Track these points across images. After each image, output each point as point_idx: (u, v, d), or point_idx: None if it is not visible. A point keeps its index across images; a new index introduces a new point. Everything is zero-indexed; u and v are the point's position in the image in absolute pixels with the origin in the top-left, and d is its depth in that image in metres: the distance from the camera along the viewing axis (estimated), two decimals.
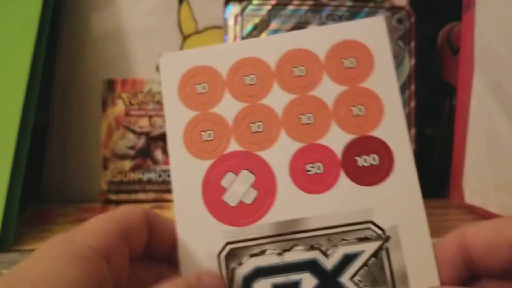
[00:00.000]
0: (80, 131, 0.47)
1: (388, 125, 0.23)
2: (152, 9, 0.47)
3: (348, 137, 0.23)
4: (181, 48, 0.48)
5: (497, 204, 0.37)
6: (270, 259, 0.22)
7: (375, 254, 0.21)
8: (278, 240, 0.22)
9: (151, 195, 0.46)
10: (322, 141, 0.23)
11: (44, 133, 0.47)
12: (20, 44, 0.37)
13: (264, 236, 0.22)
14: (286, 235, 0.22)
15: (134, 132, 0.46)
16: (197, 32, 0.49)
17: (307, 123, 0.23)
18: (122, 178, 0.45)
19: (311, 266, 0.22)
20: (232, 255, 0.22)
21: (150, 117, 0.46)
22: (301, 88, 0.23)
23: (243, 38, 0.45)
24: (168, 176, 0.45)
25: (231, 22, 0.46)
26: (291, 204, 0.22)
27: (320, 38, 0.24)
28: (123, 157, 0.46)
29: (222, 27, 0.46)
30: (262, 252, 0.22)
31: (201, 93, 0.24)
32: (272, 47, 0.24)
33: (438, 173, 0.45)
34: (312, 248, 0.22)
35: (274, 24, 0.45)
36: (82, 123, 0.47)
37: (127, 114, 0.46)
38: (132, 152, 0.46)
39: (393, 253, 0.21)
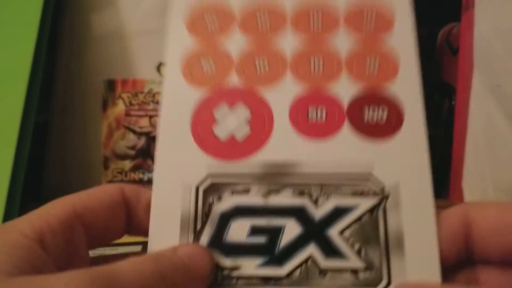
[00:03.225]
0: (80, 131, 0.46)
1: (402, 81, 0.21)
2: (153, 9, 0.47)
3: (358, 87, 0.21)
4: None
5: None
6: (253, 199, 0.20)
7: (371, 211, 0.19)
8: (266, 181, 0.20)
9: None
10: (330, 87, 0.21)
11: (45, 133, 0.46)
12: (21, 44, 0.37)
13: (251, 174, 0.20)
14: (275, 176, 0.20)
15: (134, 132, 0.45)
16: None
17: (316, 67, 0.22)
18: (123, 178, 0.45)
19: (298, 213, 0.19)
20: (212, 189, 0.20)
21: (150, 117, 0.45)
22: (315, 31, 0.22)
23: None
24: None
25: None
26: (286, 146, 0.20)
27: None
28: (123, 157, 0.45)
29: None
30: (245, 191, 0.20)
31: (209, 22, 0.22)
32: None
33: (437, 173, 0.44)
34: (301, 194, 0.20)
35: None
36: (82, 123, 0.46)
37: (127, 114, 0.45)
38: (132, 152, 0.45)
39: (390, 213, 0.19)
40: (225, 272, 0.19)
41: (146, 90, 0.45)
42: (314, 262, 0.19)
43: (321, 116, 0.21)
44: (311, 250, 0.19)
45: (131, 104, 0.45)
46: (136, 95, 0.45)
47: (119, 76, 0.45)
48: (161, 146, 0.20)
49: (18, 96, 0.35)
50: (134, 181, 0.45)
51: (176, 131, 0.21)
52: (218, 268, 0.19)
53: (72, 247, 0.19)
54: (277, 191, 0.20)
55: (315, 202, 0.20)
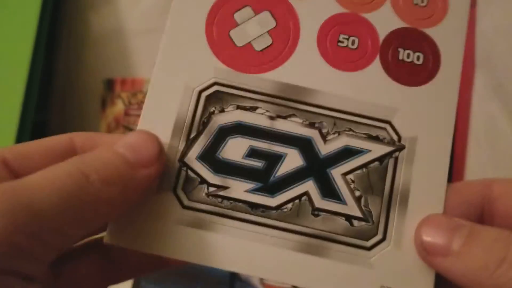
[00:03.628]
0: (79, 131, 0.45)
1: (447, 28, 0.19)
2: (152, 8, 0.45)
3: (398, 23, 0.19)
4: None
5: None
6: (258, 118, 0.18)
7: (381, 159, 0.18)
8: (276, 103, 0.18)
9: None
10: (368, 16, 0.19)
11: (43, 133, 0.45)
12: (20, 43, 0.36)
13: (262, 92, 0.18)
14: (287, 100, 0.18)
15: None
16: None
17: None
18: None
19: (303, 145, 0.18)
20: (216, 97, 0.18)
21: None
22: None
23: None
24: None
25: None
26: (306, 69, 0.18)
27: None
28: None
29: None
30: (252, 108, 0.18)
31: None
32: None
33: None
34: (311, 125, 0.18)
35: None
36: (81, 123, 0.46)
37: (126, 113, 0.44)
38: None
39: (401, 165, 0.18)
40: (211, 190, 0.17)
41: (145, 90, 0.44)
42: (309, 200, 0.17)
43: (353, 46, 0.18)
44: (309, 186, 0.17)
45: (130, 103, 0.44)
46: (135, 94, 0.44)
47: (118, 75, 0.45)
48: (168, 37, 0.18)
49: (17, 95, 0.35)
50: None
51: (188, 25, 0.18)
52: (204, 183, 0.17)
53: None
54: (285, 116, 0.18)
55: (324, 136, 0.18)
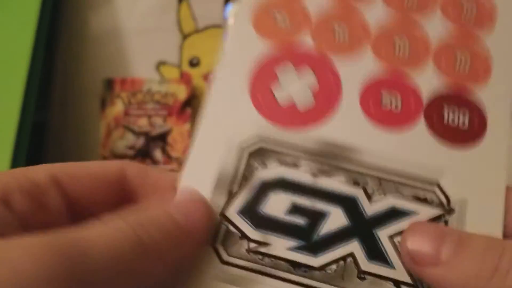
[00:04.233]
0: (79, 131, 0.46)
1: (492, 88, 0.19)
2: (152, 8, 0.46)
3: (442, 83, 0.19)
4: (181, 47, 0.46)
5: None
6: (301, 175, 0.17)
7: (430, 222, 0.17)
8: (319, 161, 0.17)
9: None
10: (411, 75, 0.19)
11: (43, 133, 0.46)
12: (19, 43, 0.36)
13: (305, 149, 0.18)
14: (331, 158, 0.17)
15: (133, 132, 0.44)
16: (197, 31, 0.47)
17: (401, 48, 0.19)
18: None
19: (347, 203, 0.17)
20: (259, 153, 0.17)
21: (149, 116, 0.44)
22: (407, 8, 0.20)
23: None
24: None
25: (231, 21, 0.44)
26: (350, 127, 0.18)
27: None
28: (122, 157, 0.44)
29: (222, 26, 0.45)
30: (294, 165, 0.17)
31: None
32: None
33: None
34: (356, 183, 0.17)
35: None
36: (81, 123, 0.46)
37: (126, 113, 0.44)
38: (131, 152, 0.44)
39: None
40: (252, 246, 0.16)
41: (145, 89, 0.44)
42: (355, 262, 0.16)
43: (396, 105, 0.18)
44: (354, 247, 0.16)
45: (130, 103, 0.44)
46: (135, 94, 0.44)
47: (118, 75, 0.45)
48: (213, 95, 0.18)
49: (16, 95, 0.35)
50: None
51: (233, 83, 0.18)
52: (245, 238, 0.16)
53: (44, 211, 0.16)
54: (329, 173, 0.17)
55: (370, 196, 0.17)
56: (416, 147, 0.18)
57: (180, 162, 0.40)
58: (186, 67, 0.45)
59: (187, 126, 0.40)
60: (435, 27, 0.19)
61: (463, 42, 0.19)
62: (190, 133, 0.41)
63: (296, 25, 0.19)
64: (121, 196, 0.18)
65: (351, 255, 0.16)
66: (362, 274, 0.16)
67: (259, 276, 0.16)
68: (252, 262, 0.16)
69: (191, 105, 0.41)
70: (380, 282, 0.16)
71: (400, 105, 0.18)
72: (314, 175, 0.17)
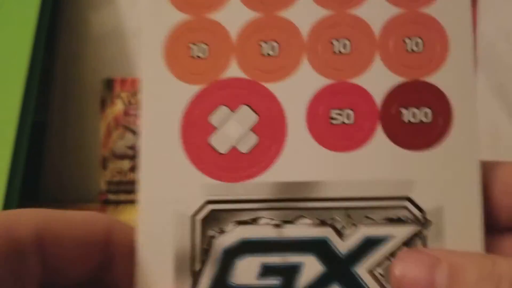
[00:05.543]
0: (79, 131, 0.46)
1: (452, 71, 0.16)
2: None
3: (395, 80, 0.16)
4: None
5: None
6: (264, 231, 0.16)
7: (408, 243, 0.16)
8: (279, 207, 0.16)
9: None
10: (358, 81, 0.16)
11: (43, 133, 0.46)
12: (19, 43, 0.36)
13: (260, 199, 0.16)
14: (291, 201, 0.16)
15: (133, 131, 0.45)
16: None
17: (341, 52, 0.16)
18: (122, 178, 0.44)
19: (319, 248, 0.16)
20: (213, 219, 0.16)
21: None
22: (340, 3, 0.17)
23: None
24: None
25: None
26: (303, 160, 0.16)
27: None
28: (122, 157, 0.45)
29: None
30: (254, 221, 0.16)
31: None
32: None
33: None
34: (323, 223, 0.16)
35: None
36: (81, 123, 0.46)
37: (126, 113, 0.44)
38: (131, 152, 0.44)
39: (432, 244, 0.16)
40: None
41: None
42: None
43: (348, 120, 0.16)
44: None
45: (130, 103, 0.44)
46: (135, 94, 0.44)
47: (118, 75, 0.45)
48: (145, 163, 0.16)
49: (16, 95, 0.35)
50: (133, 181, 0.44)
51: (163, 144, 0.16)
52: None
53: (17, 283, 0.14)
54: (292, 220, 0.16)
55: (340, 233, 0.16)
56: (379, 162, 0.16)
57: None
58: None
59: None
60: (377, 14, 0.16)
61: (411, 22, 0.16)
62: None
63: (218, 54, 0.17)
64: (101, 261, 0.16)
65: None
66: None
67: None
68: None
69: None
70: None
71: (353, 120, 0.16)
72: (277, 226, 0.16)
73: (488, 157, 0.36)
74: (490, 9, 0.38)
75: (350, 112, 0.16)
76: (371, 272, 0.16)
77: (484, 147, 0.38)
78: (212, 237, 0.16)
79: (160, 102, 0.16)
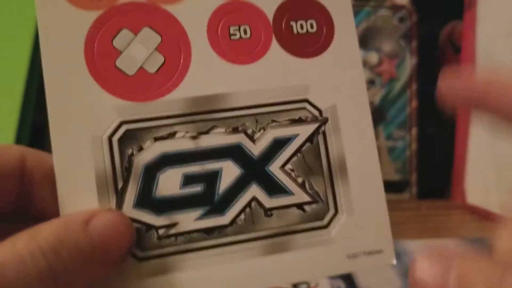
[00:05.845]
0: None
1: None
2: None
3: None
4: None
5: (499, 205, 0.37)
6: (181, 143, 0.17)
7: (310, 139, 0.18)
8: (192, 120, 0.17)
9: None
10: None
11: (43, 133, 0.43)
12: (19, 43, 0.36)
13: (174, 115, 0.17)
14: (203, 114, 0.17)
15: None
16: None
17: None
18: None
19: (234, 153, 0.17)
20: (129, 138, 0.16)
21: None
22: None
23: None
24: None
25: None
26: (209, 75, 0.17)
27: None
28: None
29: None
30: (170, 135, 0.17)
31: None
32: None
33: (440, 173, 0.44)
34: (235, 130, 0.17)
35: None
36: None
37: None
38: None
39: (330, 138, 0.18)
40: (161, 232, 0.16)
41: None
42: (258, 204, 0.17)
43: (245, 33, 0.18)
44: (254, 191, 0.17)
45: None
46: None
47: None
48: (51, 93, 0.16)
49: (16, 96, 0.35)
50: None
51: (68, 72, 0.16)
52: (152, 228, 0.16)
53: None
54: (207, 130, 0.17)
55: (251, 137, 0.17)
56: (277, 71, 0.18)
57: None
58: None
59: None
60: None
61: None
62: None
63: None
64: (19, 188, 0.16)
65: (254, 199, 0.17)
66: (269, 211, 0.17)
67: (178, 256, 0.16)
68: (167, 247, 0.16)
69: None
70: (286, 211, 0.17)
71: (250, 34, 0.18)
72: (194, 137, 0.17)
73: (488, 157, 0.36)
74: (489, 7, 0.38)
75: (247, 27, 0.18)
76: (282, 168, 0.17)
77: (484, 147, 0.38)
78: (131, 155, 0.16)
79: (59, 33, 0.16)
